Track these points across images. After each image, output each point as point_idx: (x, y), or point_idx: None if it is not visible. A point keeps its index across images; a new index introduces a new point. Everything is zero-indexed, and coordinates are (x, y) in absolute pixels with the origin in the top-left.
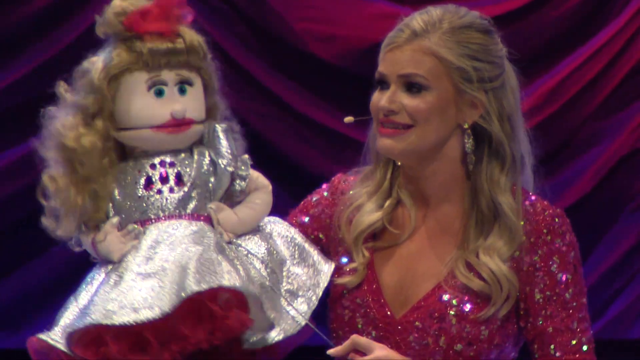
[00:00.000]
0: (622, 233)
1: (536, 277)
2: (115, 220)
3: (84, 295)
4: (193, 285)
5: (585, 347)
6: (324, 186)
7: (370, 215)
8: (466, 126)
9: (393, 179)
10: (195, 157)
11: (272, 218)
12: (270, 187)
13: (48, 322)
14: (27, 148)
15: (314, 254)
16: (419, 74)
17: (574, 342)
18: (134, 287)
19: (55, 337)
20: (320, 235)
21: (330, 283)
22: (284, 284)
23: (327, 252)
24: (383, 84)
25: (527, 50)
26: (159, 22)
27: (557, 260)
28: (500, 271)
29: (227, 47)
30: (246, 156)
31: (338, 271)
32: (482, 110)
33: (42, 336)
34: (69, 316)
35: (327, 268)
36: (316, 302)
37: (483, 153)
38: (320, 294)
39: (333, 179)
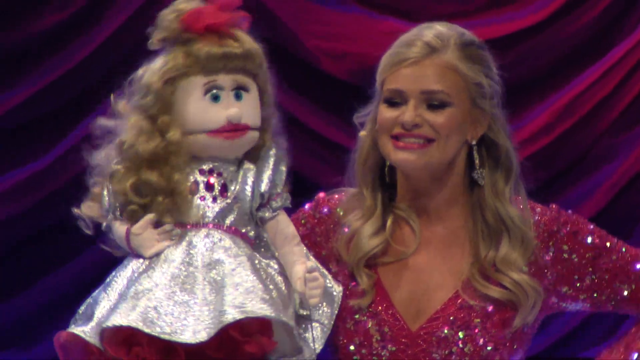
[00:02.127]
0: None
1: (573, 261)
2: (152, 216)
3: (114, 288)
4: (229, 316)
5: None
6: (307, 206)
7: (371, 239)
8: (474, 142)
9: (385, 200)
10: (242, 172)
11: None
12: (298, 238)
13: None
14: (41, 164)
15: (328, 277)
16: (443, 90)
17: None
18: (169, 303)
19: (89, 332)
20: (311, 253)
21: (341, 303)
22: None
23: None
24: (397, 100)
25: (541, 67)
26: (215, 18)
27: (580, 232)
28: (524, 280)
29: None
30: (287, 194)
31: (347, 292)
32: (486, 125)
33: (76, 331)
34: (102, 311)
35: (338, 292)
36: (329, 329)
37: (485, 167)
38: (333, 322)
39: (317, 197)
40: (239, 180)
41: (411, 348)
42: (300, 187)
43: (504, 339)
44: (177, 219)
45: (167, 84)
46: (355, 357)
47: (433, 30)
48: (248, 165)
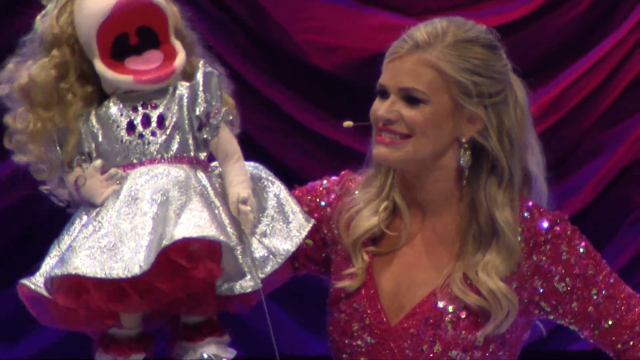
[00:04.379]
0: (622, 245)
1: (549, 272)
2: (98, 163)
3: (65, 240)
4: (166, 238)
5: (633, 302)
6: (334, 178)
7: (368, 220)
8: (464, 140)
9: (392, 185)
10: (176, 98)
11: (268, 175)
12: (239, 154)
13: (48, 334)
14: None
15: (297, 210)
16: (418, 88)
17: (617, 305)
18: (113, 240)
19: (37, 283)
20: (325, 230)
21: (331, 286)
22: (260, 228)
23: (329, 246)
24: (383, 93)
25: (528, 61)
26: None
27: (565, 248)
28: (499, 290)
29: (228, 58)
30: (226, 109)
31: (338, 275)
32: (481, 125)
33: (25, 282)
34: (50, 262)
35: (307, 224)
36: (289, 254)
37: (482, 168)
38: (295, 246)
39: (342, 174)
40: (175, 106)
41: (389, 342)
42: (289, 180)
43: (474, 341)
44: (121, 162)
45: (63, 10)
46: (339, 347)
47: (429, 28)
48: (181, 88)
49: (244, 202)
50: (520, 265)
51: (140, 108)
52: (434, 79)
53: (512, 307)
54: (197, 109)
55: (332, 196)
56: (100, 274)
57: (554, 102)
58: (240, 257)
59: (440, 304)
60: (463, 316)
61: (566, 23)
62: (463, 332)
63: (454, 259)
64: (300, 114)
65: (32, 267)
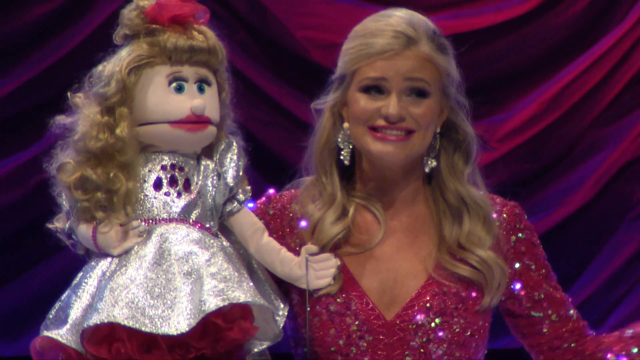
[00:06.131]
0: (623, 241)
1: (524, 257)
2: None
3: (85, 290)
4: (210, 305)
5: (571, 311)
6: (258, 202)
7: (333, 226)
8: (438, 130)
9: (343, 187)
10: (202, 167)
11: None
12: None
13: None
14: (29, 155)
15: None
16: (424, 79)
17: (570, 311)
18: (150, 295)
19: (65, 335)
20: None
21: (311, 294)
22: None
23: None
24: (376, 89)
25: (529, 58)
26: (179, 9)
27: (536, 242)
28: (489, 258)
29: (228, 55)
30: (249, 187)
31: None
32: (448, 110)
33: (52, 334)
34: (76, 313)
35: (282, 309)
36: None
37: (441, 151)
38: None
39: (268, 194)
40: (201, 175)
41: (388, 337)
42: (288, 176)
43: (477, 325)
44: (143, 216)
45: (131, 73)
46: (332, 349)
47: (402, 19)
48: (206, 161)
49: (311, 252)
50: (500, 246)
51: (168, 167)
52: (433, 73)
53: (502, 275)
54: (229, 178)
55: (267, 218)
56: (144, 328)
57: (555, 98)
58: (278, 320)
59: (442, 290)
60: (464, 297)
61: (566, 20)
62: (469, 316)
63: (436, 243)
64: (299, 110)
65: (31, 265)
